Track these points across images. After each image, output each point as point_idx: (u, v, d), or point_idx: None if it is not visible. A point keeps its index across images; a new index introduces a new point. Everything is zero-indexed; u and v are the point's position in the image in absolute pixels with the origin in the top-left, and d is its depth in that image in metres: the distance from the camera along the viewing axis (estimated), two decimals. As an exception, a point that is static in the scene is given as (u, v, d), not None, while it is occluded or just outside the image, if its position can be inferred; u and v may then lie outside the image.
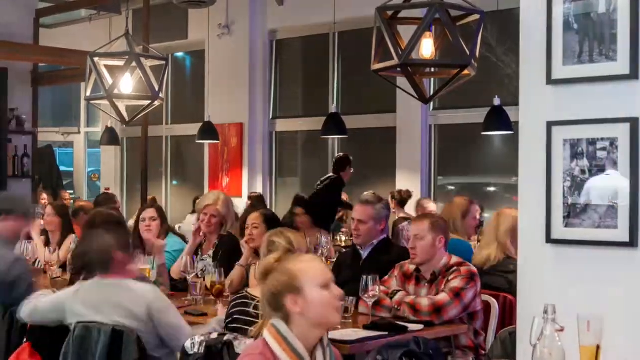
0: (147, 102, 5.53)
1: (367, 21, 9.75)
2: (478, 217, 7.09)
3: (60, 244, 6.94)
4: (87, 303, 4.11)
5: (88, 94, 5.65)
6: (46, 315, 4.26)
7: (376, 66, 4.20)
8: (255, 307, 3.89)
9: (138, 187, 12.31)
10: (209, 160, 12.53)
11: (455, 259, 4.69)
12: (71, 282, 5.31)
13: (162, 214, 6.45)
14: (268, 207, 10.35)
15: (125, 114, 5.54)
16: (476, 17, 4.15)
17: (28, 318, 4.36)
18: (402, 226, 7.97)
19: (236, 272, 5.48)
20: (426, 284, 4.67)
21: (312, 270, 2.97)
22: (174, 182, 13.73)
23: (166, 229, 6.40)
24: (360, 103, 11.45)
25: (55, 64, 12.17)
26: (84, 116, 15.28)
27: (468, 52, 4.05)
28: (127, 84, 5.44)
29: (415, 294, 4.62)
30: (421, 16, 4.13)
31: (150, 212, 6.45)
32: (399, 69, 4.12)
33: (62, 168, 14.73)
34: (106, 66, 5.59)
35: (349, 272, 5.09)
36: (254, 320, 3.83)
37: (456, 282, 4.49)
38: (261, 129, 12.18)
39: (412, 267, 4.77)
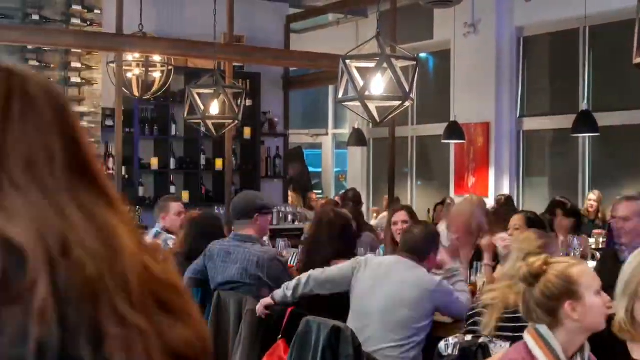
0: (397, 103, 5.56)
1: (621, 14, 9.40)
2: None
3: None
4: (375, 269, 4.61)
5: (340, 96, 5.76)
6: (334, 279, 4.74)
7: (639, 60, 4.00)
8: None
9: (383, 186, 12.46)
10: (454, 160, 12.45)
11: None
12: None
13: (413, 216, 6.48)
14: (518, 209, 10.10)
15: (376, 115, 5.60)
16: None
17: (310, 290, 4.75)
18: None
19: (486, 273, 5.42)
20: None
21: (588, 276, 2.88)
22: (419, 183, 13.76)
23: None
24: (613, 99, 10.97)
25: (306, 68, 12.54)
26: (332, 118, 15.64)
27: None
28: (378, 85, 5.49)
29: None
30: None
31: (401, 216, 6.50)
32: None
33: (310, 169, 15.17)
34: (357, 68, 5.67)
35: (608, 277, 4.87)
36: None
37: None
38: (508, 127, 11.95)
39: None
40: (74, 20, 10.10)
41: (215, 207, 10.21)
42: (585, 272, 2.91)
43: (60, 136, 0.99)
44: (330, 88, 14.70)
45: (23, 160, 0.95)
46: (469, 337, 3.79)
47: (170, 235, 6.60)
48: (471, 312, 4.08)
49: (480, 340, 3.68)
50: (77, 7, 10.13)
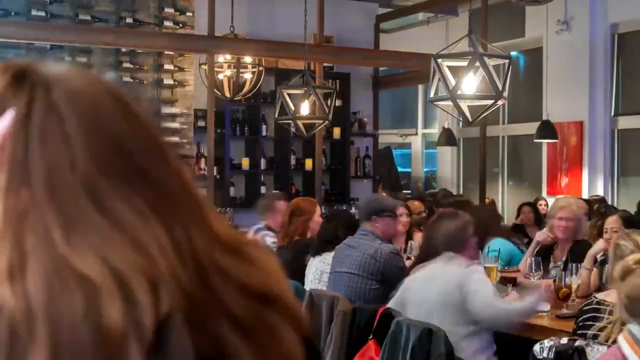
0: (490, 102, 5.51)
1: None
2: None
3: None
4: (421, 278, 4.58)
5: (431, 95, 5.73)
6: None
7: None
8: (610, 313, 3.74)
9: (473, 187, 12.33)
10: (547, 159, 12.24)
11: None
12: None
13: None
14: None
15: (468, 114, 5.56)
16: None
17: None
18: None
19: (583, 276, 5.30)
20: None
21: None
22: (510, 183, 13.58)
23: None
24: None
25: (396, 68, 12.50)
26: (421, 118, 15.54)
27: None
28: (470, 84, 5.44)
29: None
30: None
31: None
32: None
33: (399, 169, 15.10)
34: (448, 67, 5.64)
35: None
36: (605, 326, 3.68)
37: None
38: (602, 126, 11.69)
39: None
40: (167, 23, 10.26)
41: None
42: None
43: (88, 143, 0.84)
44: (420, 87, 14.61)
45: (44, 178, 0.82)
46: (564, 340, 3.72)
47: (269, 232, 6.67)
48: (585, 314, 4.00)
49: (577, 343, 3.61)
50: (169, 10, 10.28)
